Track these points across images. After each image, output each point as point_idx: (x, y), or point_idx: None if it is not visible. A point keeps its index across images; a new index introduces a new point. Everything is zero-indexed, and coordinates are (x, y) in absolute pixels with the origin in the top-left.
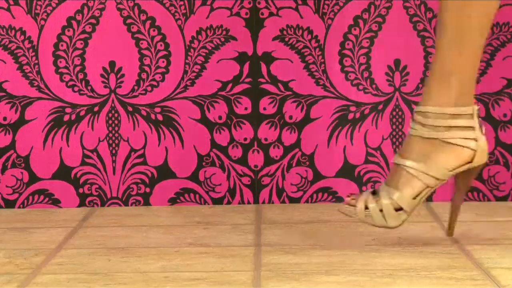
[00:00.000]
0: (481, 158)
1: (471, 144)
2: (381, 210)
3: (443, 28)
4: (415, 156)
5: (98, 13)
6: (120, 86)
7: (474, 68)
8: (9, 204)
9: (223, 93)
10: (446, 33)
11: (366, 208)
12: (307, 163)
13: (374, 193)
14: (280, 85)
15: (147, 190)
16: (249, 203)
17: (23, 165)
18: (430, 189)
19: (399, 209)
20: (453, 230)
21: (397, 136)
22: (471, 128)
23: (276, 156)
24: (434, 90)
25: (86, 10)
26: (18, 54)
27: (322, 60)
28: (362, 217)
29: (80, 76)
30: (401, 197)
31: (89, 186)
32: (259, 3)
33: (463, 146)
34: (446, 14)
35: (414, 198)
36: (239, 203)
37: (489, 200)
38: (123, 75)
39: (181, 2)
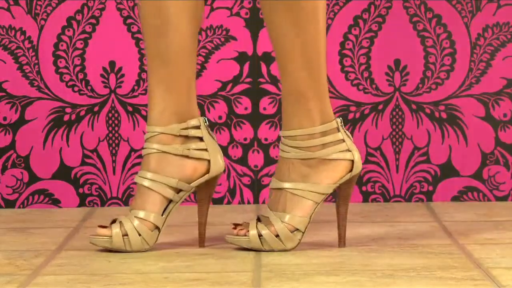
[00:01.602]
0: (359, 165)
1: (347, 155)
2: (276, 235)
3: (285, 48)
4: (296, 177)
5: (98, 13)
6: (120, 86)
7: (325, 81)
8: (9, 204)
9: (223, 93)
10: (292, 55)
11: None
12: None
13: (259, 220)
14: (280, 85)
15: None
16: (249, 203)
17: (23, 165)
18: (318, 204)
19: (293, 230)
20: (344, 239)
21: (397, 136)
22: (342, 140)
23: (276, 156)
24: (293, 113)
25: (86, 10)
26: (18, 54)
27: None
28: (257, 243)
29: (80, 76)
30: (292, 218)
31: (89, 186)
32: (259, 3)
33: (341, 159)
34: (282, 36)
35: (308, 217)
36: (239, 203)
37: (489, 200)
38: (123, 75)
39: None
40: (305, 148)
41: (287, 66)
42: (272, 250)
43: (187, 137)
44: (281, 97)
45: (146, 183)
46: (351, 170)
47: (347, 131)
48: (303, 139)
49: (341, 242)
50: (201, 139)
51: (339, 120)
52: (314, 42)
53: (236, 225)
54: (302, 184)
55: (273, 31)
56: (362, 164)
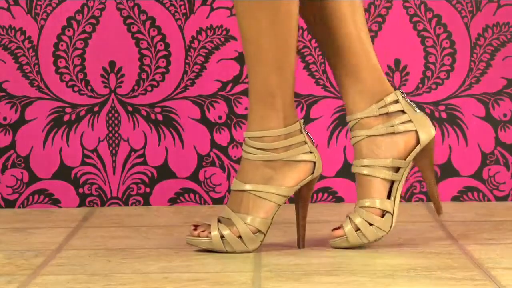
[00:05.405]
0: (320, 167)
1: (310, 157)
2: (238, 236)
3: (257, 48)
4: (259, 179)
5: (98, 13)
6: (120, 86)
7: (293, 81)
8: (9, 204)
9: (223, 93)
10: (263, 53)
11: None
12: None
13: (219, 221)
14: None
15: (147, 190)
16: None
17: (23, 165)
18: (279, 206)
19: (255, 232)
20: (304, 240)
21: None
22: (303, 142)
23: None
24: (261, 114)
25: (86, 10)
26: (18, 54)
27: (322, 60)
28: (218, 244)
29: (80, 76)
30: (255, 220)
31: (89, 186)
32: None
33: (304, 161)
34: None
35: (269, 219)
36: None
37: (489, 200)
38: (123, 75)
39: (181, 2)
40: (271, 150)
41: (257, 65)
42: (234, 252)
43: (387, 114)
44: (248, 97)
45: (365, 171)
46: (312, 172)
47: (308, 133)
48: (270, 140)
49: (301, 243)
50: (403, 112)
51: (301, 121)
52: (286, 42)
53: (196, 226)
54: (265, 186)
55: (246, 31)
56: None
